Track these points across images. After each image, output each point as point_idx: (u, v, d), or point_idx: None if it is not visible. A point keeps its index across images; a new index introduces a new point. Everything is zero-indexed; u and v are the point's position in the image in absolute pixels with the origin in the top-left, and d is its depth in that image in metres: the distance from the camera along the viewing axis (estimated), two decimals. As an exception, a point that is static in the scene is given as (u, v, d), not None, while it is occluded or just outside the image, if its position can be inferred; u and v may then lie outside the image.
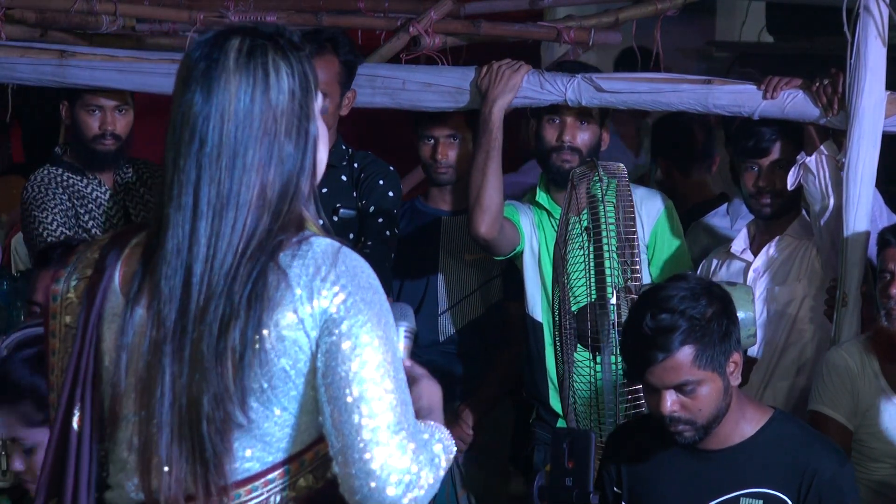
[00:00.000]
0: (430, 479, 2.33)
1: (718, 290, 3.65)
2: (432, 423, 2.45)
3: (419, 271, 4.86)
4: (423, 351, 4.92)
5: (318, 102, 2.45)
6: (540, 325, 4.68)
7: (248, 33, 2.39)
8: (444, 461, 2.39)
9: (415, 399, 2.43)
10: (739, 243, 4.67)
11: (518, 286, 4.86)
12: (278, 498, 2.37)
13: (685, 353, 3.51)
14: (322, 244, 2.36)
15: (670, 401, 3.54)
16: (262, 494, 2.37)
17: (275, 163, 2.36)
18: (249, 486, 2.36)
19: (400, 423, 2.31)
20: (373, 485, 2.28)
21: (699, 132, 5.78)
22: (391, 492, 2.29)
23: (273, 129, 2.36)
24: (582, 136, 4.67)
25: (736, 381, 3.62)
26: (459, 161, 4.87)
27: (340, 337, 2.32)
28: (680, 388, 3.54)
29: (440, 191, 4.95)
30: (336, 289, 2.33)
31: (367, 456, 2.28)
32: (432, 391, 2.55)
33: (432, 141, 4.87)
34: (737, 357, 3.61)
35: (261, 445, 2.36)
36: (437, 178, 4.91)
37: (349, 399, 2.30)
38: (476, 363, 4.92)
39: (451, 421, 4.85)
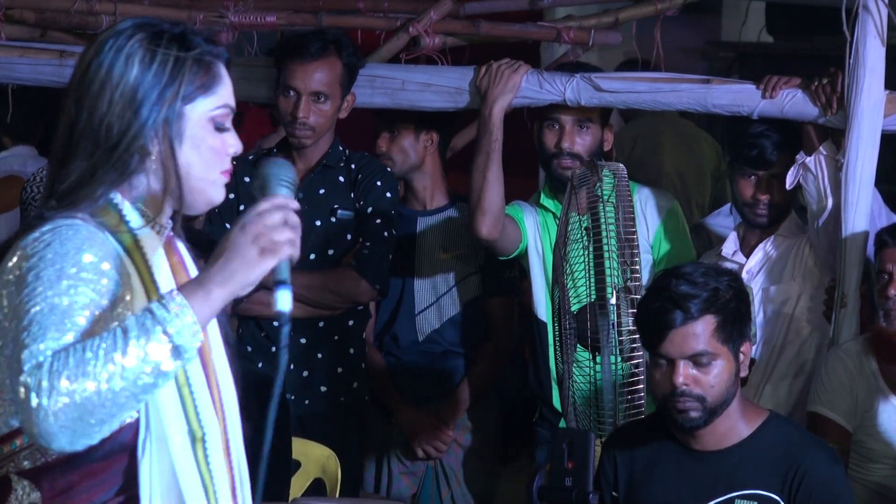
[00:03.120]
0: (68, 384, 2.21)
1: (737, 275, 3.70)
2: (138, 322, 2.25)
3: (396, 272, 4.84)
4: (404, 351, 4.94)
5: (205, 111, 2.43)
6: (544, 324, 4.67)
7: (156, 25, 2.44)
8: (119, 356, 2.20)
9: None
10: (730, 246, 4.66)
11: (501, 283, 4.91)
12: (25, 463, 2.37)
13: (707, 322, 3.53)
14: (48, 225, 2.33)
15: (683, 372, 3.53)
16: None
17: (93, 136, 2.38)
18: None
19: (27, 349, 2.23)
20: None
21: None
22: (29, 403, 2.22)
23: (94, 102, 2.39)
24: (581, 141, 4.66)
25: (744, 372, 3.63)
26: (396, 154, 4.89)
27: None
28: (695, 360, 3.54)
29: (412, 191, 4.95)
30: (21, 251, 2.33)
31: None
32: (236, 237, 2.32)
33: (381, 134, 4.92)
34: (747, 348, 3.63)
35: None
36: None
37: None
38: (457, 361, 4.93)
39: (431, 422, 4.86)
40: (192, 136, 2.41)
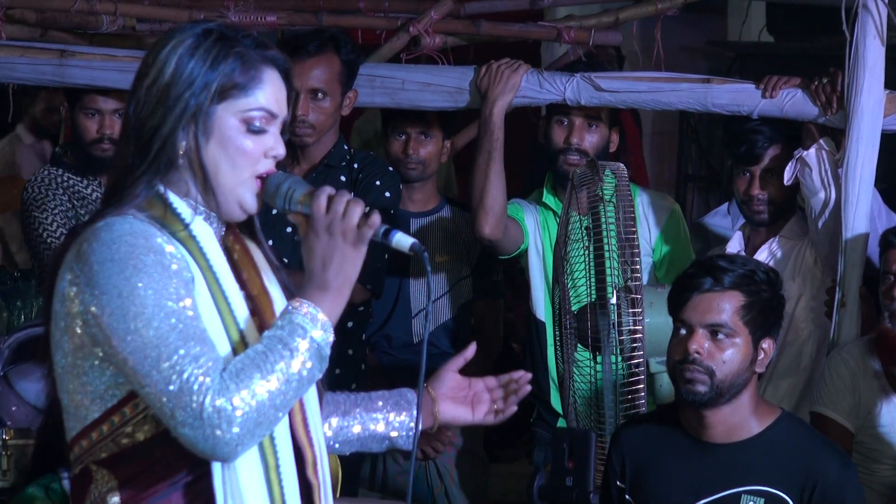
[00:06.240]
0: (245, 394, 2.27)
1: (778, 274, 3.75)
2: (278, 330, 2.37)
3: (392, 273, 4.83)
4: (398, 351, 4.94)
5: (237, 111, 2.43)
6: (543, 324, 4.68)
7: (209, 26, 2.46)
8: (281, 366, 2.34)
9: (312, 258, 2.41)
10: (735, 246, 4.66)
11: (488, 286, 4.93)
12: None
13: (734, 297, 3.58)
14: (99, 223, 2.35)
15: (699, 340, 3.57)
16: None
17: (134, 133, 2.42)
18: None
19: (154, 367, 2.27)
20: (179, 426, 2.28)
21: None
22: (189, 425, 2.27)
23: (145, 99, 2.42)
24: (590, 139, 4.67)
25: (760, 368, 3.65)
26: (429, 158, 4.89)
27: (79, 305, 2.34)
28: (714, 332, 3.57)
29: (408, 191, 4.93)
30: (75, 267, 2.34)
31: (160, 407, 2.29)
32: (330, 248, 2.43)
33: (404, 136, 4.88)
34: (768, 344, 3.65)
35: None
36: (406, 175, 4.89)
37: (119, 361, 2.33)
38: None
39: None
40: (220, 134, 2.41)
